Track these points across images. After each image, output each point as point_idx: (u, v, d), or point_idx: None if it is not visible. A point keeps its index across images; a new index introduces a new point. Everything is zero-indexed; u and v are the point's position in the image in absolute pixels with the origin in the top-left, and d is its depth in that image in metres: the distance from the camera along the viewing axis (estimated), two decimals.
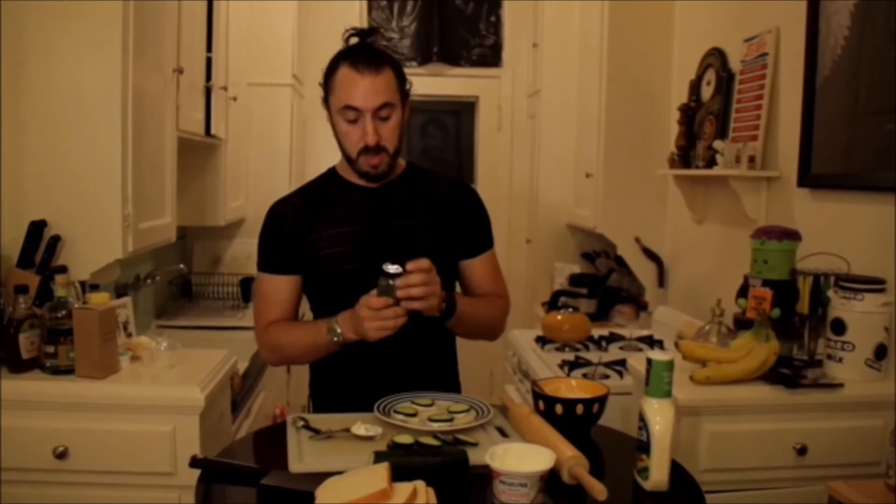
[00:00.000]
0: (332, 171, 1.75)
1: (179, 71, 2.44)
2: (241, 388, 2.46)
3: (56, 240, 1.98)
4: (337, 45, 1.65)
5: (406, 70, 1.67)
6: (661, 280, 3.24)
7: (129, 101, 2.02)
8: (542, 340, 2.73)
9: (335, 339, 1.57)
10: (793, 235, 1.94)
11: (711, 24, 2.85)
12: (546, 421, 1.43)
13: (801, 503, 1.73)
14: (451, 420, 1.46)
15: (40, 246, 1.97)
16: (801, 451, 1.73)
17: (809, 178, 2.18)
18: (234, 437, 2.22)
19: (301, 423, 1.47)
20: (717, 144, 2.54)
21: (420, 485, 1.15)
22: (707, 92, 2.79)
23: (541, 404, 1.51)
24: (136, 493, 1.73)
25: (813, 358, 1.87)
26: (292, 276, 1.69)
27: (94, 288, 1.97)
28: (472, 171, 4.82)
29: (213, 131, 2.93)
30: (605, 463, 1.39)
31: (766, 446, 1.73)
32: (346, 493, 1.12)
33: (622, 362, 2.36)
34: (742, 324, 1.94)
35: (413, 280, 1.46)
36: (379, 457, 1.25)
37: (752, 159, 2.37)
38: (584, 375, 2.25)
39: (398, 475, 1.17)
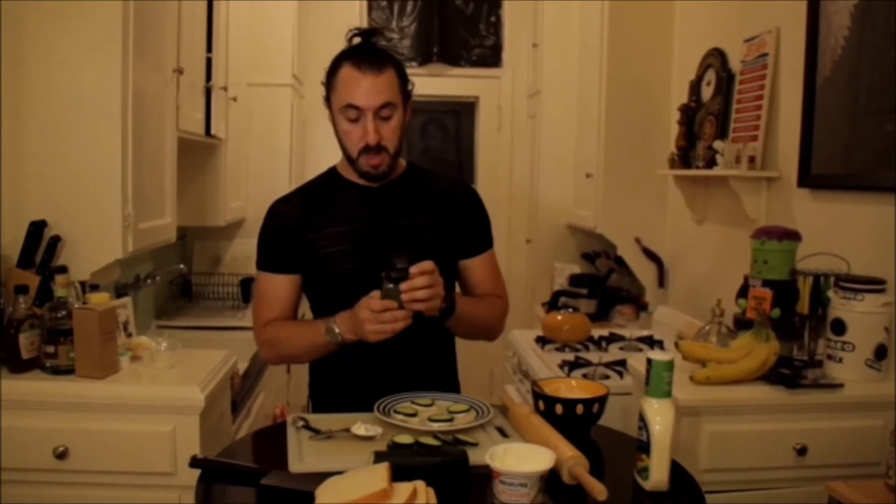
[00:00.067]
0: (332, 171, 1.75)
1: (179, 71, 2.44)
2: (241, 389, 2.46)
3: (56, 240, 1.98)
4: (337, 45, 1.65)
5: (406, 70, 1.67)
6: (661, 280, 3.24)
7: (129, 101, 2.02)
8: (542, 340, 2.73)
9: (333, 339, 1.57)
10: (793, 236, 1.94)
11: (711, 25, 2.85)
12: (546, 421, 1.43)
13: (801, 503, 1.73)
14: (451, 420, 1.45)
15: (40, 246, 1.97)
16: (801, 451, 1.73)
17: (809, 178, 2.18)
18: (234, 437, 2.22)
19: (301, 423, 1.47)
20: (718, 145, 2.54)
21: (420, 485, 1.15)
22: (707, 92, 2.79)
23: (541, 404, 1.51)
24: (136, 493, 1.73)
25: (813, 358, 1.87)
26: (292, 275, 1.69)
27: (94, 288, 1.97)
28: (472, 172, 4.82)
29: (213, 131, 2.93)
30: (605, 463, 1.39)
31: (766, 446, 1.73)
32: (346, 493, 1.12)
33: (622, 362, 2.36)
34: (742, 324, 1.94)
35: (418, 283, 1.46)
36: (379, 457, 1.25)
37: (752, 159, 2.37)
38: (584, 376, 2.25)
39: (398, 475, 1.17)
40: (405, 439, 1.36)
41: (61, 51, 1.98)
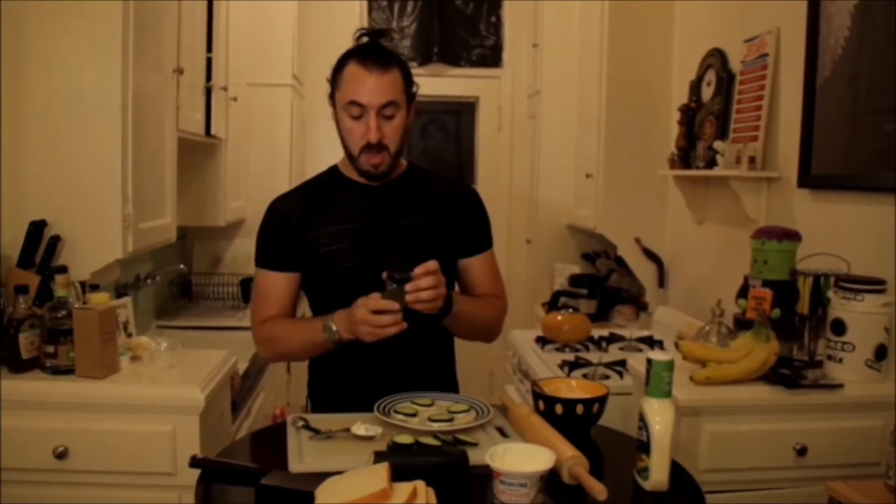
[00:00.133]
0: (333, 169, 1.75)
1: (179, 71, 2.44)
2: (241, 389, 2.46)
3: (56, 240, 1.98)
4: (337, 45, 1.66)
5: (411, 73, 1.67)
6: (662, 280, 3.24)
7: (129, 101, 2.02)
8: (542, 341, 2.73)
9: (331, 337, 1.57)
10: (793, 236, 1.94)
11: (712, 25, 2.85)
12: (546, 421, 1.43)
13: (801, 503, 1.73)
14: (451, 420, 1.46)
15: (40, 246, 1.97)
16: (801, 451, 1.73)
17: (809, 178, 2.18)
18: (234, 437, 2.22)
19: (301, 423, 1.47)
20: (718, 145, 2.54)
21: (420, 485, 1.15)
22: (707, 92, 2.79)
23: (541, 404, 1.51)
24: (136, 493, 1.73)
25: (813, 358, 1.87)
26: (291, 272, 1.69)
27: (94, 288, 1.97)
28: (473, 172, 4.82)
29: (213, 131, 2.93)
30: (605, 463, 1.39)
31: (766, 446, 1.73)
32: (345, 493, 1.12)
33: (622, 363, 2.36)
34: (742, 324, 1.94)
35: (423, 284, 1.46)
36: (379, 457, 1.25)
37: (752, 160, 2.37)
38: (584, 376, 2.25)
39: (398, 475, 1.17)
40: (405, 439, 1.36)
41: (61, 51, 1.98)
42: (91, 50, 1.98)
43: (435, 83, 4.54)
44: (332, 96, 1.64)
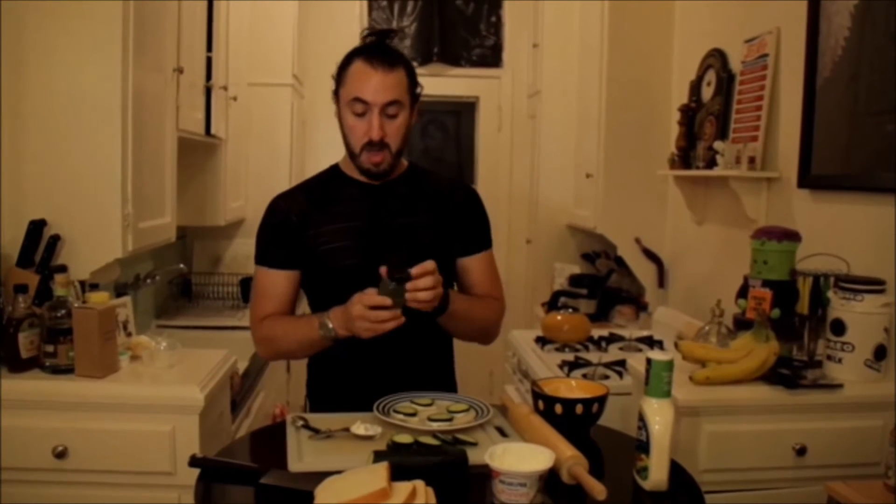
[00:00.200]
0: (334, 168, 1.76)
1: (179, 71, 2.44)
2: (240, 388, 2.46)
3: (56, 239, 1.98)
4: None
5: (416, 74, 1.67)
6: (661, 280, 3.24)
7: (129, 101, 2.02)
8: (541, 341, 2.73)
9: (327, 334, 1.57)
10: (793, 236, 1.94)
11: (712, 25, 2.85)
12: (545, 421, 1.43)
13: (801, 503, 1.73)
14: (450, 420, 1.46)
15: (40, 245, 1.97)
16: (801, 451, 1.73)
17: (809, 178, 2.18)
18: (233, 436, 2.22)
19: (300, 422, 1.47)
20: (718, 145, 2.54)
21: (419, 484, 1.15)
22: (707, 92, 2.79)
23: (540, 404, 1.51)
24: (136, 492, 1.73)
25: (812, 358, 1.87)
26: (290, 270, 1.69)
27: (94, 287, 1.97)
28: (473, 172, 4.82)
29: (213, 131, 2.93)
30: (605, 463, 1.39)
31: (765, 446, 1.73)
32: (345, 493, 1.12)
33: (622, 363, 2.36)
34: (742, 324, 1.94)
35: (421, 284, 1.47)
36: (378, 456, 1.25)
37: (752, 160, 2.37)
38: (584, 376, 2.25)
39: (397, 475, 1.17)
40: (404, 439, 1.36)
41: (61, 51, 1.98)
42: (91, 50, 1.98)
43: (435, 83, 4.53)
44: (336, 92, 1.65)
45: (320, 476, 1.19)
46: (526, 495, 1.16)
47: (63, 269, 1.87)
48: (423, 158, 4.68)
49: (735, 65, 2.62)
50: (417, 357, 1.69)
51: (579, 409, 1.47)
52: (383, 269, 1.47)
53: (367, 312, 1.47)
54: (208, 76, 2.86)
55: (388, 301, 1.46)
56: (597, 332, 2.81)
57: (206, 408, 1.77)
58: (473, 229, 1.76)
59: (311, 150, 4.43)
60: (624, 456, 1.37)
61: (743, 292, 1.97)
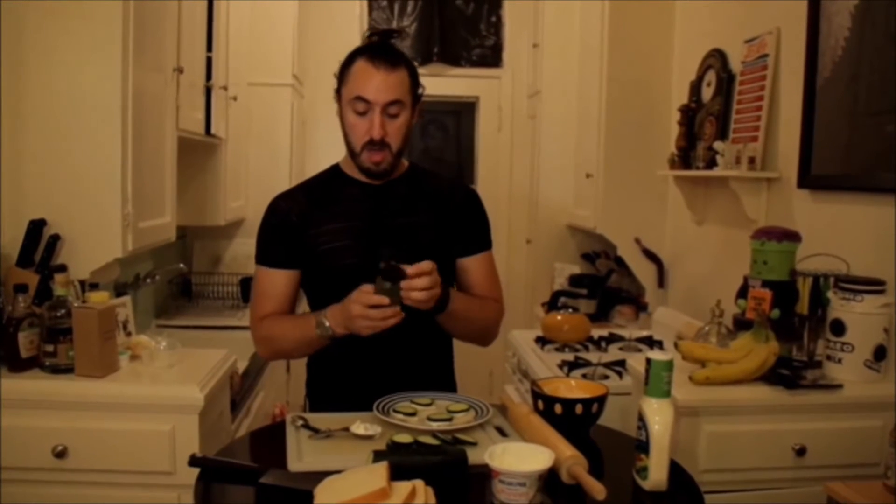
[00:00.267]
0: (335, 167, 1.76)
1: (179, 71, 2.44)
2: (240, 388, 2.46)
3: (55, 239, 1.98)
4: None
5: (419, 74, 1.67)
6: (661, 281, 3.24)
7: (129, 101, 2.03)
8: (541, 341, 2.73)
9: (324, 333, 1.57)
10: (792, 236, 1.94)
11: (712, 25, 2.85)
12: (545, 421, 1.43)
13: (800, 503, 1.73)
14: (450, 419, 1.46)
15: (40, 245, 1.97)
16: (801, 451, 1.73)
17: (809, 179, 2.18)
18: (233, 436, 2.22)
19: (300, 422, 1.47)
20: (718, 145, 2.54)
21: (419, 484, 1.15)
22: (707, 93, 2.79)
23: (540, 404, 1.51)
24: (136, 492, 1.73)
25: (812, 359, 1.86)
26: (290, 270, 1.69)
27: (94, 287, 1.97)
28: (473, 172, 4.83)
29: (213, 131, 2.93)
30: (605, 463, 1.39)
31: (765, 447, 1.73)
32: (344, 492, 1.12)
33: (622, 363, 2.36)
34: (741, 324, 1.94)
35: (417, 284, 1.47)
36: (378, 456, 1.26)
37: (752, 160, 2.37)
38: (584, 376, 2.25)
39: (397, 474, 1.17)
40: (404, 438, 1.36)
41: (61, 51, 1.98)
42: (91, 50, 1.98)
43: (435, 83, 4.50)
44: (338, 91, 1.65)
45: (320, 476, 1.19)
46: (525, 495, 1.16)
47: (63, 268, 1.87)
48: (423, 158, 4.68)
49: (735, 65, 2.62)
50: (417, 357, 1.69)
51: (579, 409, 1.47)
52: (383, 264, 1.47)
53: (367, 311, 1.48)
54: (208, 76, 2.86)
55: (385, 300, 1.47)
56: (597, 332, 2.81)
57: (206, 407, 1.77)
58: (473, 230, 1.76)
59: (311, 150, 4.43)
60: (623, 456, 1.37)
61: (743, 292, 1.97)
